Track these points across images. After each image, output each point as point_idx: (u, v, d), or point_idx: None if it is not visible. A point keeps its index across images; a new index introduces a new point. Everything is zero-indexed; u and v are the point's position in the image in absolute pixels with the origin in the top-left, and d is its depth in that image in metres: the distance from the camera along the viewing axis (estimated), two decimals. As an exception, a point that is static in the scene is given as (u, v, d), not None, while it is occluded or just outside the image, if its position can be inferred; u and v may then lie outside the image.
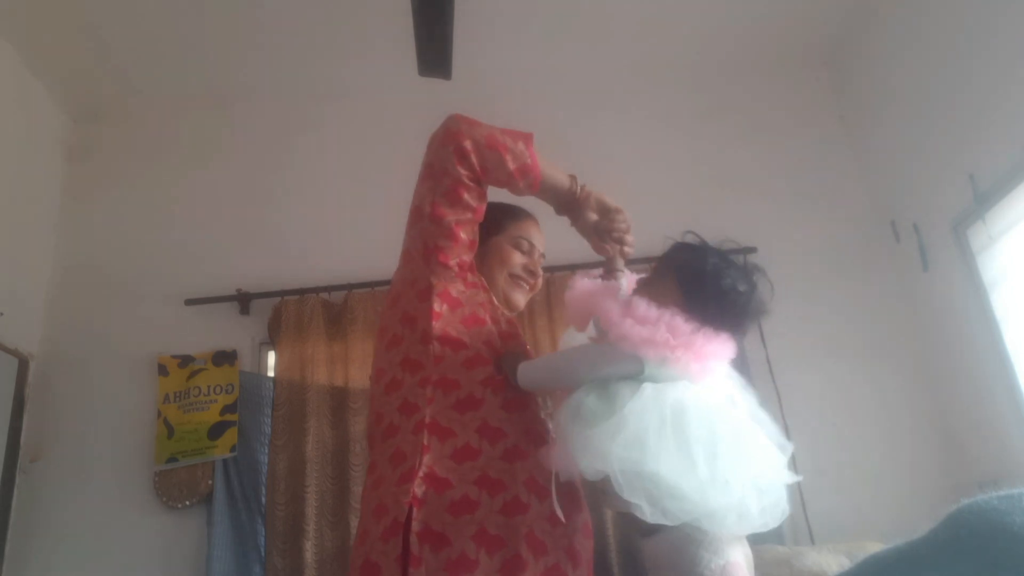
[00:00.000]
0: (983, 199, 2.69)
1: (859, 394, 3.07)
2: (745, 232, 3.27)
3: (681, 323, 1.17)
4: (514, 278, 1.49)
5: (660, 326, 1.16)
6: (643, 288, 1.32)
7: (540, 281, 1.55)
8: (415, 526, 1.11)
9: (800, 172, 3.46)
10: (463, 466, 1.17)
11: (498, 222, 1.51)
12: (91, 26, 3.06)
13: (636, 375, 1.17)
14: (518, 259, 1.50)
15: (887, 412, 3.05)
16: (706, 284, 1.24)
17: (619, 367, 1.17)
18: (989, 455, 2.78)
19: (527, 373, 1.25)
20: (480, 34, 3.10)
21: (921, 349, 3.15)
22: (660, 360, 1.15)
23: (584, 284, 1.38)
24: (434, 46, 2.56)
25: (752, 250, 3.23)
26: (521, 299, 1.51)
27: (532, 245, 1.53)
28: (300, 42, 3.27)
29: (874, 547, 0.88)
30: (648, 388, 1.14)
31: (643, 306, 1.20)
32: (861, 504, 2.83)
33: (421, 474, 1.15)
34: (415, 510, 1.12)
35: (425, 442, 1.18)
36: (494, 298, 1.41)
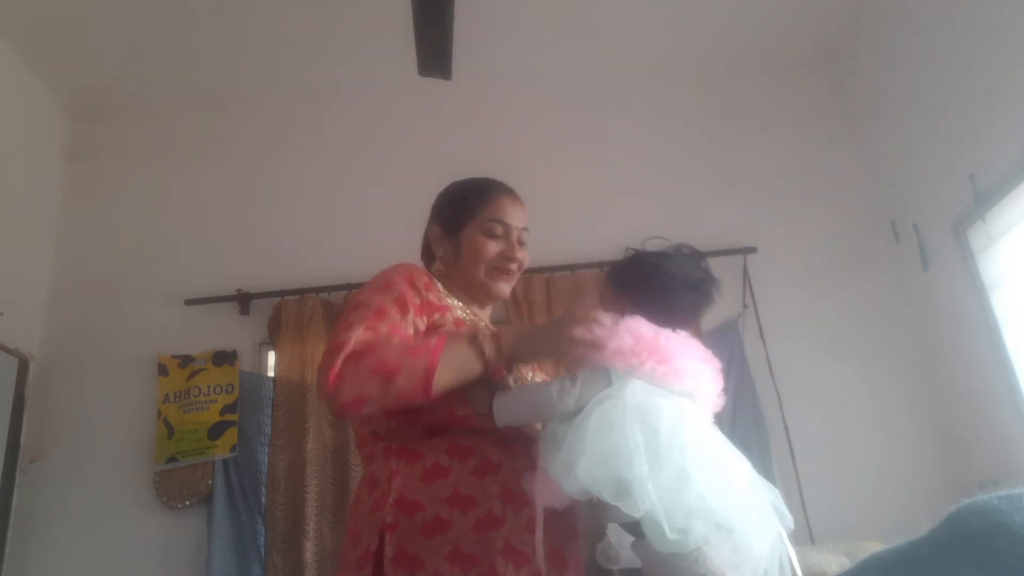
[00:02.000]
0: (983, 199, 2.69)
1: (859, 394, 3.07)
2: (745, 232, 3.28)
3: (644, 327, 1.17)
4: (493, 270, 1.39)
5: (623, 333, 1.15)
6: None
7: (524, 262, 1.43)
8: (388, 551, 1.11)
9: (800, 172, 3.46)
10: (433, 485, 1.15)
11: (467, 209, 1.41)
12: (91, 26, 3.06)
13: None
14: (492, 248, 1.38)
15: (887, 412, 3.05)
16: (632, 274, 1.29)
17: (589, 386, 1.15)
18: (989, 455, 2.78)
19: (502, 412, 1.19)
20: (480, 34, 3.10)
21: (921, 349, 3.15)
22: (627, 369, 1.13)
23: None
24: (434, 46, 2.56)
25: (752, 250, 3.24)
26: (505, 288, 1.42)
27: (507, 225, 1.40)
28: (300, 42, 3.28)
29: (874, 547, 0.88)
30: (604, 395, 1.12)
31: (604, 318, 1.19)
32: (861, 504, 2.83)
33: (391, 500, 1.15)
34: (387, 536, 1.12)
35: (394, 467, 1.18)
36: (468, 307, 1.38)
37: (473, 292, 1.42)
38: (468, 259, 1.39)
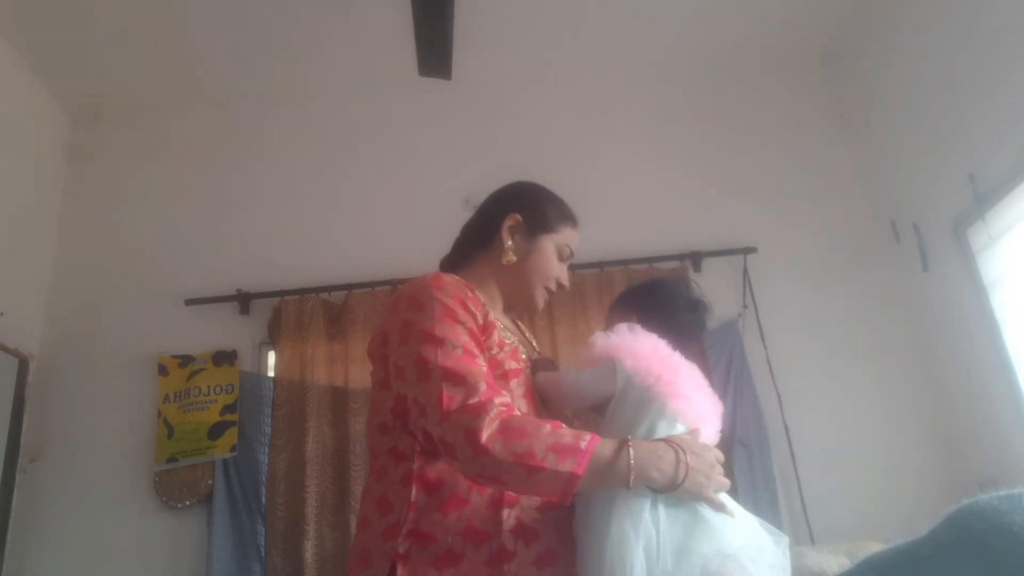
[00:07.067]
0: (983, 199, 2.69)
1: (859, 394, 3.07)
2: (745, 232, 3.28)
3: (663, 344, 1.27)
4: (545, 288, 1.44)
5: (644, 339, 1.27)
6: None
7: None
8: None
9: (800, 172, 3.46)
10: (449, 518, 1.15)
11: (552, 219, 1.45)
12: (92, 26, 3.05)
13: (613, 390, 1.23)
14: (557, 271, 1.44)
15: (887, 412, 3.05)
16: (644, 298, 1.43)
17: (598, 378, 1.25)
18: (989, 455, 2.78)
19: (539, 382, 1.33)
20: (480, 34, 3.10)
21: (921, 349, 3.15)
22: (635, 371, 1.21)
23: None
24: (434, 46, 2.56)
25: (752, 250, 3.24)
26: (542, 302, 1.47)
27: (572, 253, 1.48)
28: (300, 42, 3.27)
29: (874, 547, 0.88)
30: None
31: (625, 327, 1.31)
32: (861, 504, 2.83)
33: (405, 531, 1.15)
34: (399, 567, 1.12)
35: (412, 498, 1.17)
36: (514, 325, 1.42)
37: (513, 300, 1.43)
38: (534, 268, 1.41)
